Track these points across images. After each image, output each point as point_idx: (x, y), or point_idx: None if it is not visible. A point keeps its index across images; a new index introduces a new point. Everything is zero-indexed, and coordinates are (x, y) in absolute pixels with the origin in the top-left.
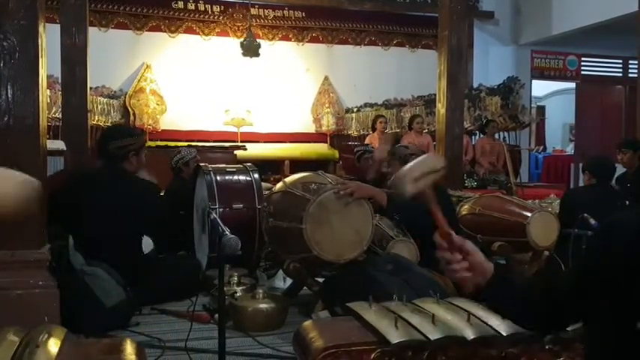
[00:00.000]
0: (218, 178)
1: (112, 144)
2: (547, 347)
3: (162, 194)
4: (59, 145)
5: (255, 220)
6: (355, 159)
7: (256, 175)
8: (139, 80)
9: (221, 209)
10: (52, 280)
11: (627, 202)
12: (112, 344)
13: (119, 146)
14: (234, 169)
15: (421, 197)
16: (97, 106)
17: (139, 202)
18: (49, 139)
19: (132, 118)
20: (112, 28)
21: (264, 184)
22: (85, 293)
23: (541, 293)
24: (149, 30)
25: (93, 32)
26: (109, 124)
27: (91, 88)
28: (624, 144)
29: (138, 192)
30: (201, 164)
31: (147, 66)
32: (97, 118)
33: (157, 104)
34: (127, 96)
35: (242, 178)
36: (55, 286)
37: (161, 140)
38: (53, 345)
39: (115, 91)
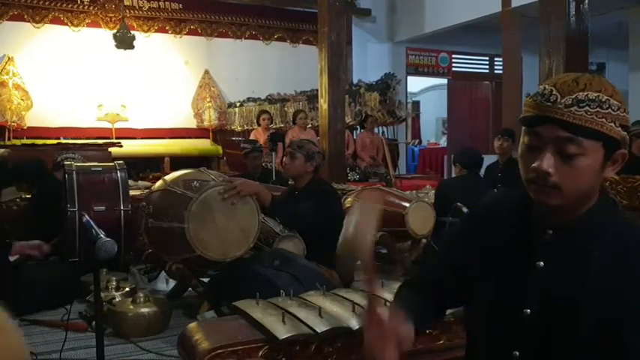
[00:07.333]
0: (80, 178)
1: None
2: (427, 332)
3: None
4: None
5: (119, 222)
6: (243, 156)
7: (123, 174)
8: None
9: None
10: None
11: (496, 190)
12: None
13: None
14: (100, 168)
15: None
16: None
17: None
18: None
19: None
20: None
21: (142, 183)
22: None
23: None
24: (10, 19)
25: None
26: None
27: None
28: (505, 132)
29: None
30: (66, 163)
31: (9, 58)
32: None
33: (22, 99)
34: None
35: (107, 177)
36: None
37: (27, 138)
38: None
39: None
